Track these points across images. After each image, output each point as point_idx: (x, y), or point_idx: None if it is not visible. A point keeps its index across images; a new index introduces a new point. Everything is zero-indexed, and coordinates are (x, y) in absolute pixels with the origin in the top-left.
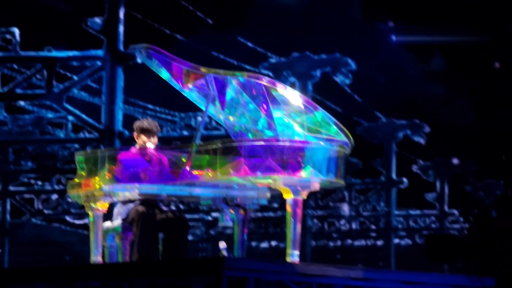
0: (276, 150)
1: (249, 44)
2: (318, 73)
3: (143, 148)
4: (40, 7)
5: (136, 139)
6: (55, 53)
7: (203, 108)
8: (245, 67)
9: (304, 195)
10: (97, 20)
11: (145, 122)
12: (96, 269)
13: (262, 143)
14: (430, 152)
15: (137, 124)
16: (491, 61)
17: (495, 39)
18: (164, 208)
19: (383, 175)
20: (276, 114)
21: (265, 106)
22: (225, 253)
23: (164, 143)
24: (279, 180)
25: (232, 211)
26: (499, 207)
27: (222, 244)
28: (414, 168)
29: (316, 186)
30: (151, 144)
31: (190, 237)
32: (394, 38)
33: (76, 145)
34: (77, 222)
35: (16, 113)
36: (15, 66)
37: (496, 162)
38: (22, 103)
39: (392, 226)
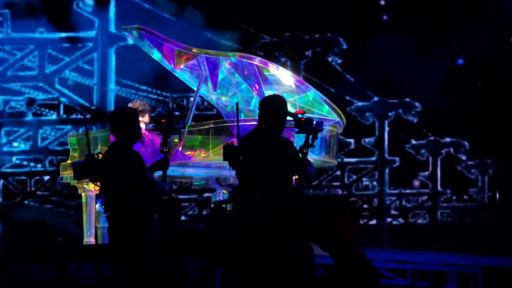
0: None
1: (241, 24)
2: (309, 53)
3: None
4: None
5: None
6: (46, 35)
7: (195, 89)
8: (237, 47)
9: None
10: (89, 1)
11: (134, 102)
12: (89, 250)
13: (254, 123)
14: (423, 131)
15: (128, 106)
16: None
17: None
18: None
19: (375, 154)
20: (268, 94)
21: (257, 86)
22: None
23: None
24: None
25: (225, 191)
26: (493, 187)
27: None
28: (407, 147)
29: None
30: (143, 125)
31: (182, 218)
32: (385, 17)
33: (69, 127)
34: (70, 203)
35: (8, 95)
36: (7, 48)
37: (489, 140)
38: (14, 85)
39: (385, 206)
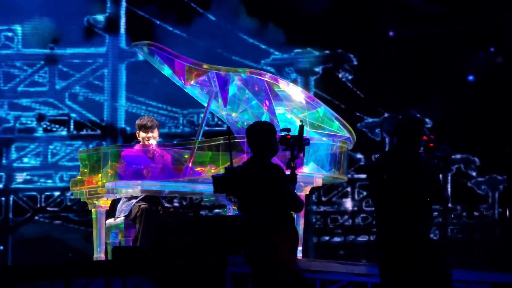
0: None
1: (251, 40)
2: (320, 69)
3: (146, 145)
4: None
5: (138, 138)
6: (57, 51)
7: (205, 105)
8: (247, 63)
9: (306, 190)
10: (99, 17)
11: (142, 119)
12: (99, 266)
13: None
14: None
15: (136, 122)
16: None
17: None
18: (167, 205)
19: None
20: (279, 110)
21: (267, 102)
22: None
23: (166, 140)
24: None
25: (234, 207)
26: (503, 203)
27: None
28: None
29: (318, 181)
30: (153, 140)
31: None
32: (391, 33)
33: (79, 142)
34: (80, 219)
35: (19, 110)
36: (17, 64)
37: (499, 156)
38: (24, 100)
39: None
